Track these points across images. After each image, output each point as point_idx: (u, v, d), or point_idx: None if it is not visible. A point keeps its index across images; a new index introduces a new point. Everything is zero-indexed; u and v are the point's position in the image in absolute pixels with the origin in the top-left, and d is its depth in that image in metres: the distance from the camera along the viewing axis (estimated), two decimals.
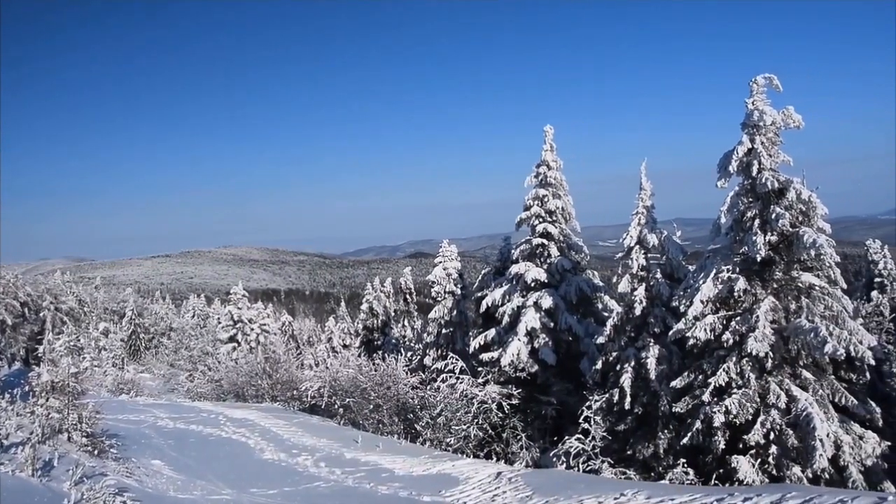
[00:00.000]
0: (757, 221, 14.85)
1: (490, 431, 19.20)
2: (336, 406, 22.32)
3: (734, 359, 14.63)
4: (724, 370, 14.56)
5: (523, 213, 21.74)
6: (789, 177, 14.71)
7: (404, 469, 15.13)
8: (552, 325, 20.40)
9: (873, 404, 14.91)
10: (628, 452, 17.05)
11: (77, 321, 55.07)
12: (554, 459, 17.01)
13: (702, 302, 15.13)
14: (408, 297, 48.57)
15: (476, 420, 19.00)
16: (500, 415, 19.28)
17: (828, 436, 13.49)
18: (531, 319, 19.98)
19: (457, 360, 20.38)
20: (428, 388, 20.29)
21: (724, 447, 14.48)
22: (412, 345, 35.26)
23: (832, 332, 13.76)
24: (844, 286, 15.01)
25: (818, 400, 14.10)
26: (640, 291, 17.68)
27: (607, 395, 17.41)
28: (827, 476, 13.53)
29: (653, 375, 16.74)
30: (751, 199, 15.21)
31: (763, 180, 14.58)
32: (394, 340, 40.72)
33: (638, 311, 17.61)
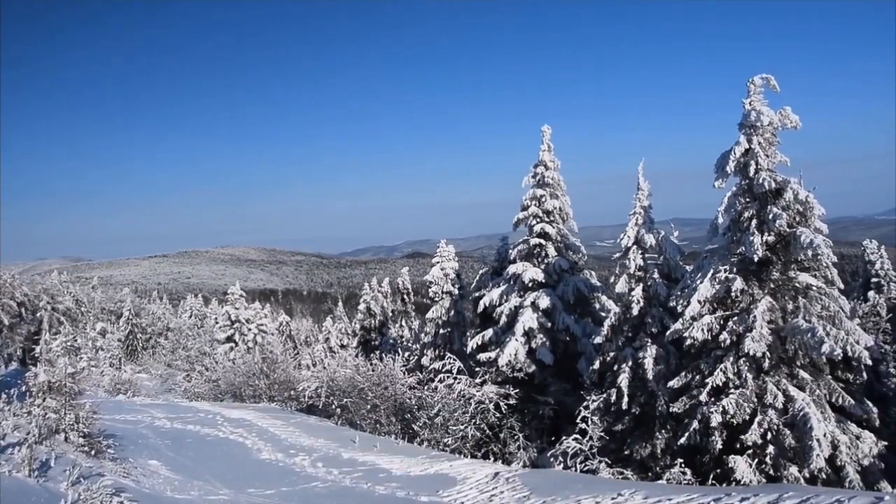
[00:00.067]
0: (754, 222, 14.86)
1: (487, 431, 19.20)
2: (333, 406, 22.30)
3: (731, 359, 14.64)
4: (721, 370, 14.57)
5: (521, 213, 21.75)
6: (786, 177, 14.74)
7: (402, 469, 15.12)
8: (549, 325, 20.40)
9: (870, 404, 14.94)
10: (626, 452, 17.07)
11: (74, 321, 54.99)
12: (551, 459, 17.01)
13: (699, 302, 15.14)
14: (405, 297, 48.58)
15: (473, 420, 19.00)
16: (498, 415, 19.28)
17: (825, 436, 13.50)
18: (529, 319, 19.99)
19: (454, 360, 20.37)
20: (425, 388, 20.29)
21: (721, 447, 14.50)
22: (410, 345, 35.26)
23: (829, 332, 13.78)
24: (841, 286, 15.03)
25: (815, 400, 14.12)
26: (638, 291, 17.69)
27: (605, 395, 17.42)
28: (824, 476, 13.55)
29: (650, 375, 16.76)
30: (748, 200, 15.23)
31: (760, 180, 14.59)
32: (391, 340, 40.70)
33: (635, 311, 17.62)
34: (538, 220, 21.40)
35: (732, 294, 14.93)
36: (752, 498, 9.72)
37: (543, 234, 21.42)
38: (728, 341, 14.78)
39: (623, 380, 17.06)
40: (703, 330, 15.02)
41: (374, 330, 43.14)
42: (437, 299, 26.80)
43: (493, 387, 19.99)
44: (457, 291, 26.96)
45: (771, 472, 14.06)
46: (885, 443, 14.65)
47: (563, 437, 16.59)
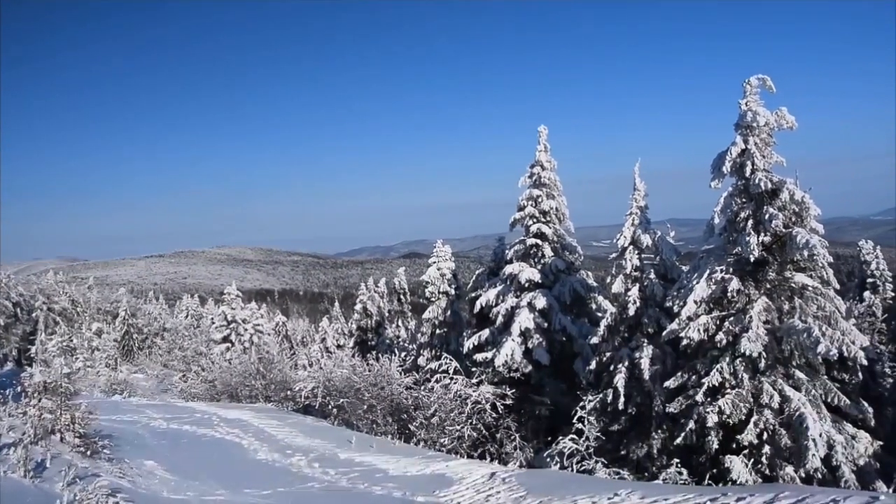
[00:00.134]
0: (750, 222, 14.89)
1: (484, 432, 19.20)
2: (330, 406, 22.27)
3: (727, 359, 14.67)
4: (717, 370, 14.60)
5: (517, 213, 21.77)
6: (783, 177, 14.78)
7: (398, 469, 15.11)
8: (546, 325, 20.41)
9: (865, 404, 14.99)
10: (622, 452, 17.09)
11: (70, 321, 54.83)
12: (548, 460, 17.02)
13: (695, 302, 15.17)
14: (402, 297, 48.54)
15: (470, 420, 19.00)
16: (494, 415, 19.28)
17: (820, 436, 13.54)
18: (525, 320, 20.00)
19: (451, 360, 20.37)
20: (422, 388, 20.27)
21: (717, 447, 14.53)
22: (406, 345, 35.22)
23: (825, 332, 13.81)
24: (837, 287, 15.08)
25: (811, 400, 14.16)
26: (634, 292, 17.71)
27: (601, 396, 17.44)
28: (819, 476, 13.59)
29: (646, 376, 16.78)
30: (744, 200, 15.26)
31: (756, 181, 14.62)
32: (388, 341, 40.68)
33: (632, 312, 17.65)
34: (534, 220, 21.41)
35: (729, 294, 14.95)
36: (749, 498, 9.74)
37: (540, 235, 21.43)
38: (724, 341, 14.81)
39: (619, 380, 17.08)
40: (699, 330, 15.04)
41: (371, 330, 43.13)
42: (433, 299, 26.79)
43: (490, 387, 19.99)
44: (453, 292, 26.95)
45: (767, 471, 14.09)
46: (881, 443, 14.71)
47: (560, 438, 16.60)
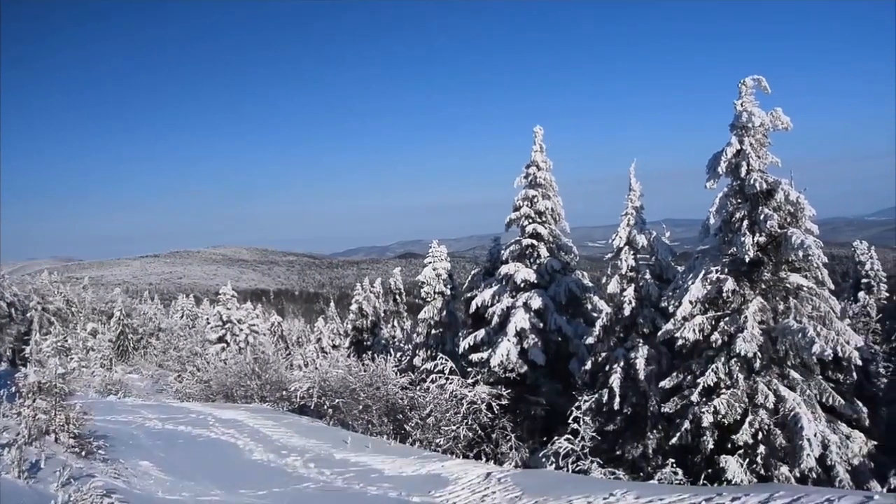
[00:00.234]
0: (745, 222, 14.92)
1: (479, 432, 19.21)
2: (325, 407, 22.27)
3: (723, 359, 14.70)
4: (712, 370, 14.62)
5: (513, 213, 21.77)
6: (778, 178, 14.81)
7: (394, 470, 15.11)
8: (542, 325, 20.42)
9: (860, 404, 15.03)
10: (617, 452, 17.10)
11: (65, 321, 54.66)
12: (543, 460, 17.03)
13: (690, 302, 15.19)
14: (397, 297, 48.52)
15: (465, 420, 19.01)
16: (490, 415, 19.29)
17: (815, 435, 13.57)
18: (521, 320, 20.00)
19: (446, 360, 20.37)
20: (417, 388, 20.27)
21: (712, 447, 14.55)
22: (402, 345, 35.21)
23: (820, 332, 13.85)
24: (832, 287, 15.11)
25: (806, 400, 14.19)
26: (630, 292, 17.73)
27: (596, 396, 17.45)
28: (814, 475, 13.61)
29: (642, 376, 16.79)
30: (739, 200, 15.29)
31: (752, 181, 14.65)
32: (383, 341, 40.66)
33: (627, 312, 17.66)
34: (530, 220, 21.42)
35: (724, 294, 14.98)
36: (743, 497, 9.76)
37: (535, 235, 21.44)
38: (719, 342, 14.83)
39: (615, 380, 17.09)
40: (694, 330, 15.07)
41: (366, 330, 43.11)
42: (429, 300, 26.78)
43: (485, 387, 20.00)
44: (449, 292, 26.96)
45: (762, 471, 14.12)
46: (875, 442, 14.74)
47: (555, 438, 16.61)
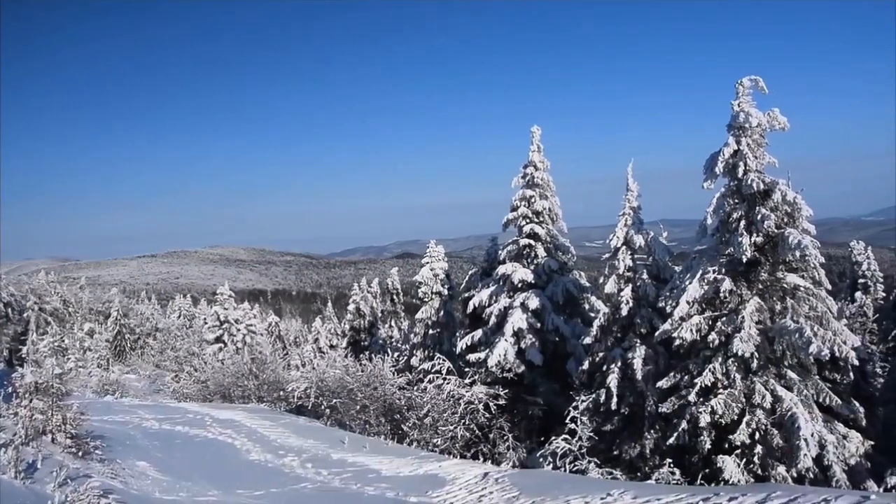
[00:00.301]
0: (743, 222, 14.93)
1: (477, 432, 19.21)
2: (323, 407, 22.26)
3: (720, 359, 14.70)
4: (709, 370, 14.63)
5: (510, 213, 21.77)
6: (775, 178, 14.83)
7: (391, 470, 15.11)
8: (539, 325, 20.43)
9: (857, 404, 15.04)
10: (615, 452, 17.11)
11: (61, 321, 54.58)
12: (541, 460, 17.03)
13: (688, 303, 15.20)
14: (395, 297, 48.55)
15: (463, 420, 19.01)
16: (487, 415, 19.29)
17: (812, 435, 13.58)
18: (518, 320, 20.00)
19: (444, 360, 20.38)
20: (415, 388, 20.28)
21: (709, 447, 14.56)
22: (399, 345, 35.23)
23: (817, 332, 13.86)
24: (829, 287, 15.13)
25: (803, 400, 14.20)
26: (627, 292, 17.74)
27: (594, 396, 17.46)
28: (811, 475, 13.62)
29: (639, 376, 16.81)
30: (737, 201, 15.30)
31: (749, 182, 14.67)
32: (381, 341, 40.66)
33: (624, 312, 17.67)
34: (527, 220, 21.43)
35: (721, 295, 14.99)
36: (741, 497, 9.78)
37: (533, 235, 21.45)
38: (717, 342, 14.84)
39: (612, 380, 17.10)
40: (691, 330, 15.07)
41: (364, 330, 43.09)
42: (426, 300, 26.79)
43: (483, 387, 20.00)
44: (446, 292, 26.96)
45: (759, 471, 14.13)
46: (872, 442, 14.76)
47: (553, 438, 16.61)
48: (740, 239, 14.61)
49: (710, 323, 15.11)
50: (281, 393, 26.10)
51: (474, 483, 13.60)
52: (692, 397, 14.68)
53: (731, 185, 15.33)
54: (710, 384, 14.60)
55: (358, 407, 20.85)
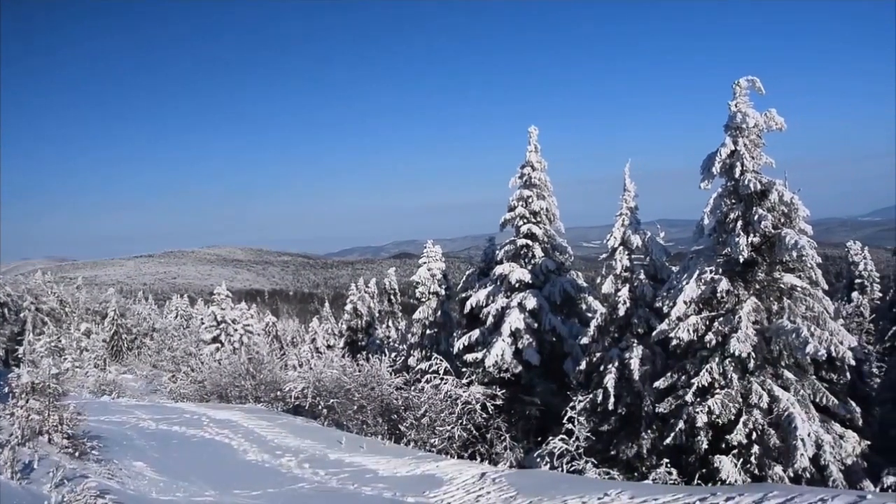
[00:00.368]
0: (740, 223, 14.95)
1: (474, 432, 19.22)
2: (320, 407, 22.25)
3: (717, 359, 14.72)
4: (706, 370, 14.64)
5: (507, 213, 21.79)
6: (772, 178, 14.85)
7: (388, 470, 15.10)
8: (536, 325, 20.44)
9: (853, 404, 15.07)
10: (612, 452, 17.12)
11: (58, 322, 54.49)
12: (538, 460, 17.04)
13: (685, 303, 15.21)
14: (392, 297, 48.52)
15: (460, 420, 19.01)
16: (485, 415, 19.29)
17: (809, 435, 13.60)
18: (515, 320, 20.01)
19: (441, 360, 20.38)
20: (412, 388, 20.28)
21: (706, 447, 14.57)
22: (396, 345, 35.21)
23: (813, 332, 13.88)
24: (826, 287, 15.16)
25: (799, 400, 14.22)
26: (624, 292, 17.75)
27: (591, 396, 17.47)
28: (808, 475, 13.64)
29: (636, 376, 16.82)
30: (734, 201, 15.32)
31: (746, 182, 14.68)
32: (378, 341, 40.65)
33: (622, 312, 17.69)
34: (525, 220, 21.44)
35: (718, 295, 15.00)
36: (738, 497, 9.79)
37: (530, 235, 21.46)
38: (714, 342, 14.85)
39: (609, 380, 17.11)
40: (688, 330, 15.08)
41: (361, 330, 43.08)
42: (423, 300, 26.77)
43: (480, 387, 20.00)
44: (443, 292, 26.95)
45: (756, 471, 14.14)
46: (868, 442, 14.79)
47: (550, 438, 16.62)
48: (737, 239, 14.63)
49: (707, 323, 15.12)
50: (278, 393, 26.08)
51: (471, 483, 13.60)
52: (689, 397, 14.69)
53: (728, 186, 15.36)
54: (707, 384, 14.61)
55: (355, 407, 20.84)
